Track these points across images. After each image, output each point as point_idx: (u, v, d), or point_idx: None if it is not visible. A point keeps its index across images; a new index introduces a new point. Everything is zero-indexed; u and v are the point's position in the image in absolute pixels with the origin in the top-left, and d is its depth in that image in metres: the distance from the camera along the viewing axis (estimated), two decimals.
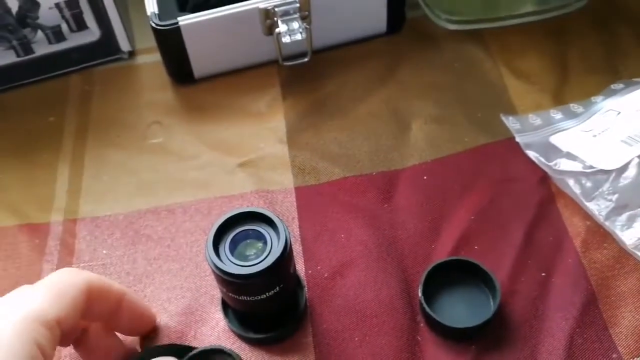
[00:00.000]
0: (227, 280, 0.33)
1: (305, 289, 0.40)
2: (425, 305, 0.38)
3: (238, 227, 0.35)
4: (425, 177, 0.45)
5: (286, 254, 0.34)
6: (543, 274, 0.40)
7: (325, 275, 0.41)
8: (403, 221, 0.43)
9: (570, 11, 0.54)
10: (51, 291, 0.30)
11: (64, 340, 0.32)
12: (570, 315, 0.38)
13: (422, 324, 0.39)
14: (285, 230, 0.34)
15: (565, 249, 0.41)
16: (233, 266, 0.33)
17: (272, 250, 0.34)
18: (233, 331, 0.39)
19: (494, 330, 0.38)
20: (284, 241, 0.33)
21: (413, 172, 0.46)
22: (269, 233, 0.34)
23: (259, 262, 0.33)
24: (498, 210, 0.43)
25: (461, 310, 0.38)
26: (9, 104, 0.53)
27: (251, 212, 0.35)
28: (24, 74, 0.53)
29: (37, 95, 0.53)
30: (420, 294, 0.38)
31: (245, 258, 0.34)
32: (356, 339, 0.38)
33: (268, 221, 0.35)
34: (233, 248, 0.34)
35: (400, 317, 0.39)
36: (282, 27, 0.48)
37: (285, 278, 0.35)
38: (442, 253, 0.41)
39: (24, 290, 0.30)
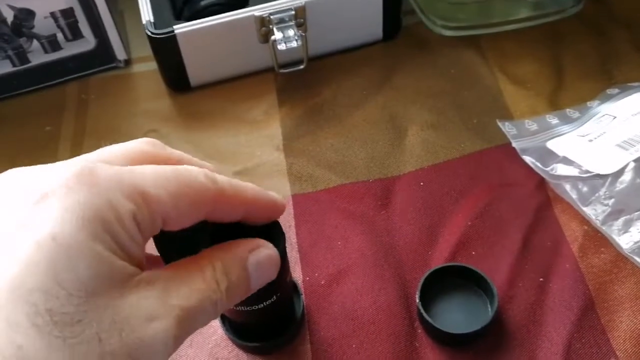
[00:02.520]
0: None
1: (303, 296, 0.40)
2: (422, 311, 0.38)
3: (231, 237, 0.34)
4: (422, 183, 0.45)
5: (284, 264, 0.33)
6: (541, 279, 0.40)
7: (323, 282, 0.41)
8: (400, 227, 0.43)
9: (565, 16, 0.54)
10: (176, 183, 0.25)
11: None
12: (568, 320, 0.38)
13: (419, 330, 0.39)
14: (281, 235, 0.33)
15: (563, 254, 0.41)
16: None
17: None
18: (230, 339, 0.38)
19: (492, 336, 0.38)
20: (280, 250, 0.33)
21: (410, 178, 0.46)
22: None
23: None
24: (495, 216, 0.43)
25: (459, 316, 0.38)
26: (5, 114, 0.53)
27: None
28: (20, 84, 0.53)
29: (34, 104, 0.53)
30: (417, 300, 0.38)
31: None
32: (354, 345, 0.38)
33: (264, 231, 0.34)
34: None
35: (398, 323, 0.38)
36: (277, 35, 0.48)
37: (281, 287, 0.35)
38: (439, 259, 0.41)
39: (148, 166, 0.25)
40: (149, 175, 0.24)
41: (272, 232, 0.33)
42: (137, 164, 0.25)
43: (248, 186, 0.29)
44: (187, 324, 0.24)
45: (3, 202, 0.22)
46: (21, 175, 0.24)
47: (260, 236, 0.33)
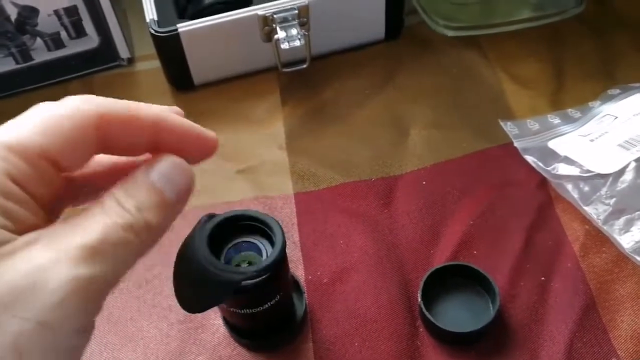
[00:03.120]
0: (221, 290, 0.32)
1: (305, 294, 0.40)
2: (424, 310, 0.38)
3: (233, 237, 0.34)
4: (424, 182, 0.45)
5: (280, 267, 0.33)
6: (542, 279, 0.40)
7: (325, 280, 0.41)
8: (402, 226, 0.43)
9: (567, 17, 0.55)
10: (37, 122, 0.24)
11: (85, 189, 0.27)
12: (569, 320, 0.38)
13: (421, 329, 0.39)
14: (282, 239, 0.32)
15: (564, 253, 0.41)
16: (228, 274, 0.32)
17: (265, 262, 0.32)
18: (233, 338, 0.39)
19: (494, 335, 0.38)
20: (278, 251, 0.32)
21: (412, 177, 0.46)
22: (262, 244, 0.33)
23: (256, 269, 0.32)
24: (497, 215, 0.43)
25: (461, 315, 0.38)
26: (7, 111, 0.52)
27: (244, 215, 0.34)
28: (23, 81, 0.53)
29: (36, 102, 0.53)
30: (419, 299, 0.38)
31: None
32: (356, 344, 0.38)
33: (264, 230, 0.34)
34: (228, 260, 0.33)
35: (400, 322, 0.39)
36: (280, 34, 0.48)
37: (283, 286, 0.35)
38: (441, 258, 0.41)
39: (10, 121, 0.24)
40: (14, 125, 0.24)
41: (270, 230, 0.33)
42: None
43: (149, 106, 0.27)
44: (97, 260, 0.22)
45: None
46: None
47: (259, 233, 0.33)
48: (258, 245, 0.33)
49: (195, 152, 0.28)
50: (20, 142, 0.23)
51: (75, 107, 0.25)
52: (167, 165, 0.26)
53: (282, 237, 0.32)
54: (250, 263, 0.33)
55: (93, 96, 0.26)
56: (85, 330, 0.23)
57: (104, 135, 0.25)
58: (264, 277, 0.32)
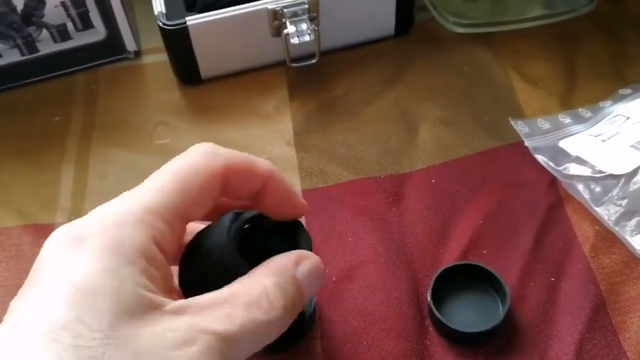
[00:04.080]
0: None
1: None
2: (434, 309, 0.38)
3: (257, 240, 0.31)
4: (433, 181, 0.45)
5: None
6: (552, 279, 0.40)
7: (334, 278, 0.41)
8: (411, 225, 0.43)
9: (578, 15, 0.54)
10: (173, 181, 0.26)
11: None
12: (579, 321, 0.38)
13: (430, 328, 0.38)
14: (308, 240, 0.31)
15: (574, 254, 0.41)
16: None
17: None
18: None
19: (503, 335, 0.38)
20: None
21: (421, 175, 0.45)
22: (279, 242, 0.31)
23: None
24: (507, 215, 0.43)
25: (470, 315, 0.38)
26: (13, 103, 0.52)
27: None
28: (29, 73, 0.53)
29: (42, 94, 0.53)
30: (429, 298, 0.38)
31: None
32: (364, 342, 0.38)
33: (289, 230, 0.32)
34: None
35: (409, 321, 0.38)
36: (290, 28, 0.48)
37: None
38: (450, 257, 0.41)
39: (144, 182, 0.26)
40: (151, 188, 0.25)
41: (300, 234, 0.32)
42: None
43: (262, 159, 0.29)
44: (227, 350, 0.24)
45: (51, 250, 0.25)
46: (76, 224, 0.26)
47: (289, 239, 0.32)
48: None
49: (287, 209, 0.31)
50: (162, 205, 0.25)
51: (205, 162, 0.26)
52: (312, 266, 0.28)
53: (309, 240, 0.31)
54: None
55: (217, 147, 0.28)
56: None
57: (225, 183, 0.27)
58: None
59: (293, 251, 0.28)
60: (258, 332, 0.25)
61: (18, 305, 0.24)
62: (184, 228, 0.26)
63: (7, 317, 0.23)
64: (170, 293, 0.25)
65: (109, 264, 0.23)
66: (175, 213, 0.25)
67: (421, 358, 0.37)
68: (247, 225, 0.30)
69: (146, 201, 0.25)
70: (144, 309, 0.23)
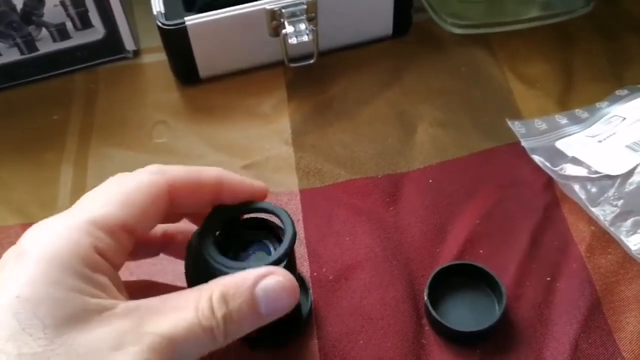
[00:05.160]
0: None
1: (311, 291, 0.40)
2: (431, 308, 0.38)
3: (240, 235, 0.33)
4: (430, 181, 0.45)
5: (291, 249, 0.32)
6: (548, 279, 0.40)
7: (331, 277, 0.41)
8: (408, 224, 0.43)
9: (575, 17, 0.54)
10: (117, 196, 0.27)
11: (144, 249, 0.30)
12: (575, 320, 0.38)
13: (427, 327, 0.39)
14: (290, 235, 0.32)
15: (570, 254, 0.41)
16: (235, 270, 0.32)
17: (273, 260, 0.31)
18: None
19: (499, 335, 0.38)
20: (287, 245, 0.32)
21: (418, 175, 0.46)
22: (272, 243, 0.33)
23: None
24: (503, 215, 0.43)
25: (466, 314, 0.38)
26: (12, 102, 0.52)
27: (254, 208, 0.33)
28: (28, 72, 0.53)
29: (41, 93, 0.53)
30: (426, 297, 0.38)
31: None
32: (361, 341, 0.38)
33: (271, 228, 0.34)
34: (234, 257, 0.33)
35: (406, 320, 0.39)
36: (288, 29, 0.48)
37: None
38: (447, 257, 0.41)
39: (86, 196, 0.28)
40: (95, 201, 0.27)
41: (281, 221, 0.33)
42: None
43: (208, 169, 0.31)
44: (168, 352, 0.25)
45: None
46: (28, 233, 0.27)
47: (268, 232, 0.33)
48: (268, 245, 0.33)
49: (250, 199, 0.33)
50: (104, 217, 0.26)
51: (148, 180, 0.28)
52: (274, 284, 0.28)
53: (293, 230, 0.32)
54: (257, 260, 0.33)
55: (162, 166, 0.29)
56: None
57: (172, 200, 0.29)
58: None
59: (264, 267, 0.29)
60: (200, 337, 0.26)
61: None
62: (131, 241, 0.28)
63: None
64: (120, 297, 0.26)
65: (51, 275, 0.24)
66: (120, 226, 0.27)
67: (418, 357, 0.37)
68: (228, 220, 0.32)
69: (90, 214, 0.26)
70: (88, 314, 0.24)
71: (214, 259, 0.30)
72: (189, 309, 0.26)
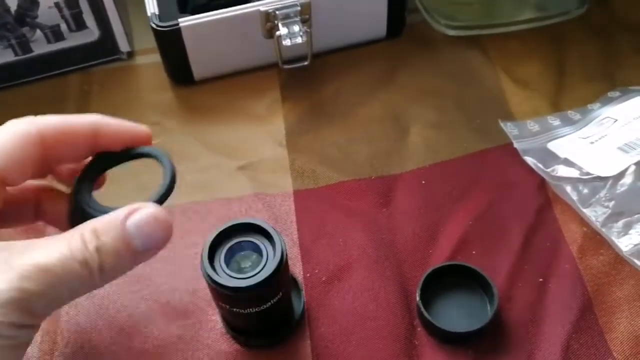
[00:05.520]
0: (222, 293, 0.33)
1: (303, 292, 0.40)
2: (423, 309, 0.38)
3: (233, 238, 0.34)
4: (423, 182, 0.45)
5: (282, 266, 0.33)
6: (540, 280, 0.40)
7: (323, 278, 0.41)
8: (401, 225, 0.43)
9: (568, 19, 0.55)
10: None
11: (16, 210, 0.31)
12: (566, 321, 0.38)
13: (419, 328, 0.39)
14: (281, 242, 0.33)
15: (562, 255, 0.41)
16: (229, 279, 0.33)
17: (267, 261, 0.33)
18: (231, 335, 0.39)
19: (491, 335, 0.38)
20: (279, 253, 0.33)
21: (411, 176, 0.46)
22: (263, 244, 0.34)
23: (256, 274, 0.33)
24: (496, 216, 0.43)
25: (458, 315, 0.39)
26: (6, 103, 0.52)
27: (246, 223, 0.34)
28: (22, 73, 0.53)
29: (35, 94, 0.53)
30: (418, 298, 0.38)
31: (241, 270, 0.33)
32: (353, 342, 0.38)
33: (263, 232, 0.34)
34: (228, 260, 0.34)
35: (398, 321, 0.39)
36: (282, 30, 0.48)
37: (284, 283, 0.35)
38: (439, 258, 0.41)
39: None
40: None
41: (269, 235, 0.34)
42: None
43: (83, 115, 0.31)
44: (44, 280, 0.25)
45: None
46: None
47: (258, 232, 0.34)
48: (258, 245, 0.34)
49: (132, 145, 0.32)
50: None
51: (17, 128, 0.28)
52: (145, 217, 0.28)
53: (282, 245, 0.33)
54: (251, 263, 0.33)
55: (32, 117, 0.30)
56: (20, 328, 0.25)
57: (46, 149, 0.29)
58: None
59: (135, 204, 0.29)
60: (74, 268, 0.26)
61: None
62: (2, 189, 0.28)
63: None
64: None
65: None
66: None
67: (410, 357, 0.38)
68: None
69: None
70: None
71: (89, 204, 0.30)
72: (60, 243, 0.26)
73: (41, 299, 0.25)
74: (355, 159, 0.47)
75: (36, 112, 0.51)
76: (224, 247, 0.34)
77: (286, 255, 0.34)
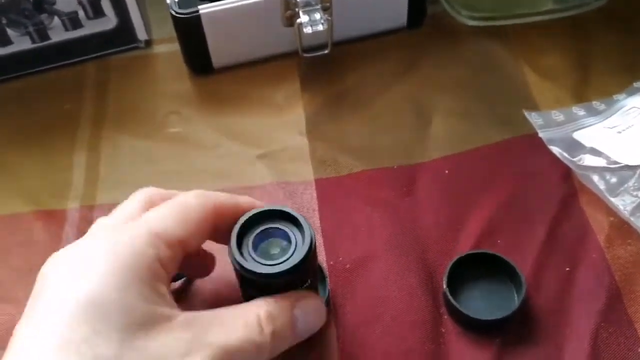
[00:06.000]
0: (251, 280, 0.31)
1: (328, 280, 0.40)
2: (450, 296, 0.37)
3: (260, 225, 0.33)
4: (446, 171, 0.45)
5: (312, 253, 0.32)
6: (567, 269, 0.40)
7: (347, 266, 0.40)
8: (425, 214, 0.43)
9: (590, 9, 0.54)
10: (176, 211, 0.29)
11: (186, 265, 0.32)
12: (594, 310, 0.38)
13: (445, 316, 0.38)
14: (309, 229, 0.32)
15: (589, 245, 0.41)
16: (258, 265, 0.31)
17: (297, 248, 0.32)
18: None
19: (518, 324, 0.37)
20: (309, 239, 0.32)
21: (434, 165, 0.45)
22: (292, 231, 0.33)
23: (285, 260, 0.31)
24: (520, 205, 0.43)
25: (485, 303, 0.38)
26: (24, 91, 0.52)
27: (274, 210, 0.33)
28: (39, 61, 0.52)
29: (53, 82, 0.53)
30: (445, 286, 0.38)
31: (270, 257, 0.32)
32: (379, 330, 0.38)
33: (291, 218, 0.33)
34: (256, 246, 0.32)
35: (424, 308, 0.38)
36: (303, 18, 0.47)
37: (310, 276, 0.34)
38: (464, 246, 0.41)
39: (150, 211, 0.30)
40: (156, 217, 0.29)
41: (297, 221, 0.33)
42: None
43: (237, 196, 0.33)
44: None
45: (55, 269, 0.28)
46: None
47: (286, 219, 0.33)
48: (287, 232, 0.32)
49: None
50: (166, 232, 0.28)
51: (198, 201, 0.30)
52: (310, 306, 0.31)
53: (310, 231, 0.32)
54: (280, 250, 0.32)
55: (206, 191, 0.31)
56: None
57: (216, 221, 0.31)
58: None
59: (299, 292, 0.31)
60: (250, 350, 0.28)
61: (27, 324, 0.26)
62: (182, 256, 0.29)
63: (15, 341, 0.25)
64: (175, 307, 0.28)
65: (121, 281, 0.26)
66: (177, 240, 0.28)
67: (437, 345, 0.37)
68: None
69: (153, 227, 0.28)
70: (154, 321, 0.26)
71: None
72: (239, 322, 0.28)
73: None
74: (378, 148, 0.47)
75: (53, 101, 0.51)
76: (252, 234, 0.32)
77: (315, 241, 0.33)
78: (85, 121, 0.50)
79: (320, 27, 0.47)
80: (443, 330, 0.38)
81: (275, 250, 0.32)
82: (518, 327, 0.37)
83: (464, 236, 0.42)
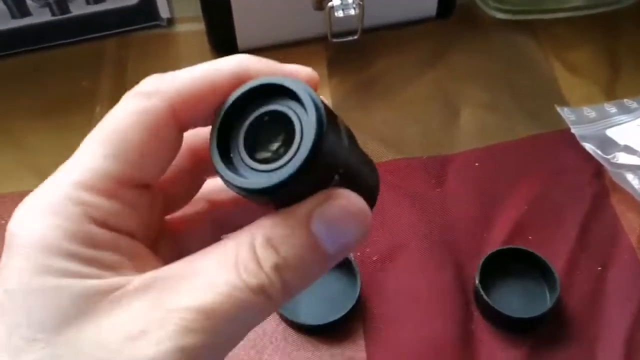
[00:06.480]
0: (249, 195, 0.19)
1: (358, 272, 0.38)
2: (482, 293, 0.36)
3: (251, 111, 0.20)
4: (476, 164, 0.44)
5: (324, 133, 0.19)
6: (599, 268, 0.39)
7: (375, 258, 0.40)
8: (454, 207, 0.42)
9: (620, 7, 0.53)
10: (103, 143, 0.20)
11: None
12: (628, 312, 0.37)
13: (475, 314, 0.37)
14: (315, 98, 0.19)
15: (621, 245, 0.40)
16: (254, 173, 0.20)
17: (304, 134, 0.19)
18: (282, 316, 0.37)
19: (550, 323, 0.37)
20: (314, 114, 0.19)
21: (464, 158, 0.44)
22: (296, 112, 0.20)
23: (289, 160, 0.19)
24: (551, 202, 0.42)
25: (517, 301, 0.37)
26: (41, 65, 0.51)
27: (265, 84, 0.20)
28: (59, 34, 0.51)
29: (71, 57, 0.51)
30: (477, 282, 0.37)
31: (267, 158, 0.20)
32: (408, 326, 0.37)
33: (288, 93, 0.20)
34: (249, 144, 0.20)
35: (454, 305, 0.37)
36: (335, 1, 0.46)
37: (338, 167, 0.20)
38: (495, 241, 0.40)
39: (75, 153, 0.20)
40: (81, 158, 0.20)
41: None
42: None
43: (224, 62, 0.22)
44: (211, 330, 0.18)
45: None
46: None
47: (287, 97, 0.20)
48: (287, 114, 0.20)
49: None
50: (93, 175, 0.19)
51: (138, 111, 0.20)
52: (337, 211, 0.19)
53: (315, 100, 0.20)
54: (282, 143, 0.20)
55: (158, 81, 0.21)
56: None
57: (181, 121, 0.20)
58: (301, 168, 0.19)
59: (319, 194, 0.19)
60: (251, 301, 0.18)
61: None
62: (145, 195, 0.21)
63: None
64: (132, 270, 0.19)
65: (38, 262, 0.18)
66: (117, 181, 0.19)
67: (467, 343, 0.36)
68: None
69: (74, 177, 0.19)
70: (91, 300, 0.18)
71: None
72: (225, 267, 0.19)
73: (207, 351, 0.18)
74: (406, 137, 0.46)
75: (71, 77, 0.50)
76: (241, 127, 0.21)
77: (328, 112, 0.20)
78: (102, 99, 0.48)
79: (352, 11, 0.46)
80: (473, 328, 0.37)
81: (274, 146, 0.20)
82: (550, 327, 0.37)
83: (494, 231, 0.41)
